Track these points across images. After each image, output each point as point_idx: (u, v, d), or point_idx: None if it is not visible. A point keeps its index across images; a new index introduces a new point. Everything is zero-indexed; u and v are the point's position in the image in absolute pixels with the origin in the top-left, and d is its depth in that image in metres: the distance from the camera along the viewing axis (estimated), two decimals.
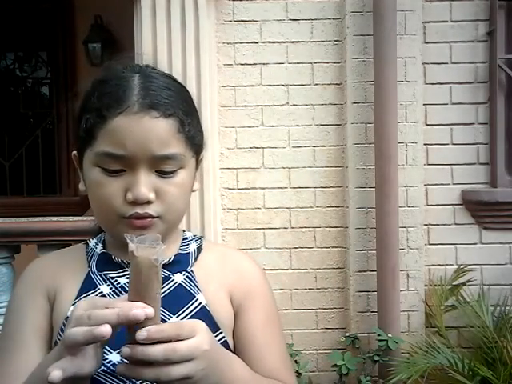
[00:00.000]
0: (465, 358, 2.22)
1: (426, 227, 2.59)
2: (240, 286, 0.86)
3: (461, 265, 2.59)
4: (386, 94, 2.43)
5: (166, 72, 0.85)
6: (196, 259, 0.87)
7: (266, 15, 2.57)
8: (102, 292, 0.82)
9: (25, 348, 0.80)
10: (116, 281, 0.83)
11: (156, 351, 0.61)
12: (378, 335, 2.38)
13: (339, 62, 2.59)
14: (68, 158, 4.33)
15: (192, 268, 0.86)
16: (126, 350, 0.62)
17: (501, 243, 2.61)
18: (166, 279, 0.83)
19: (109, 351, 0.76)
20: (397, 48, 2.45)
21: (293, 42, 2.58)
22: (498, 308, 2.48)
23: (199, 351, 0.64)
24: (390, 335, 2.37)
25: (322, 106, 2.60)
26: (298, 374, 2.36)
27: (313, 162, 2.60)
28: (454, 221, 2.61)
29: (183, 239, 0.90)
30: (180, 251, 0.88)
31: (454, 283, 2.56)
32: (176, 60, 2.39)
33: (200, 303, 0.82)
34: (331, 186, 2.61)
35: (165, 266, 0.84)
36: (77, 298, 0.82)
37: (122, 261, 0.84)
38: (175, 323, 0.64)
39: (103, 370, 0.76)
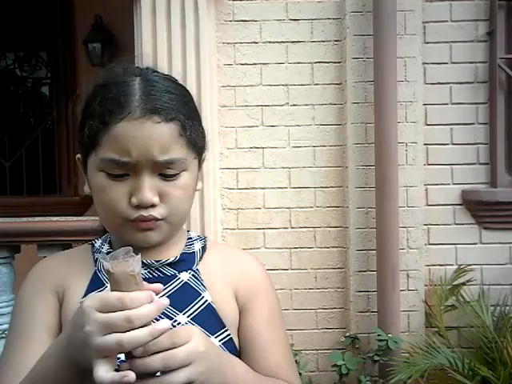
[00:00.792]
0: (465, 358, 2.22)
1: (426, 227, 2.59)
2: (244, 284, 0.88)
3: (461, 265, 2.59)
4: (386, 93, 2.43)
5: (167, 74, 0.85)
6: (201, 258, 0.89)
7: (266, 15, 2.57)
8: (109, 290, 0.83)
9: (38, 343, 0.81)
10: None
11: (154, 361, 0.62)
12: (378, 335, 2.38)
13: (339, 62, 2.59)
14: (68, 159, 4.33)
15: (197, 267, 0.87)
16: (125, 365, 0.63)
17: (501, 243, 2.61)
18: (172, 277, 0.85)
19: None
20: (397, 48, 2.45)
21: (293, 41, 2.58)
22: (498, 308, 2.48)
23: (196, 354, 0.65)
24: (390, 335, 2.37)
25: (322, 105, 2.60)
26: (298, 374, 2.36)
27: (313, 162, 2.60)
28: (454, 221, 2.61)
29: (188, 239, 0.91)
30: (185, 250, 0.89)
31: (454, 283, 2.56)
32: (176, 60, 2.39)
33: (206, 301, 0.83)
34: (331, 186, 2.61)
35: (171, 265, 0.86)
36: (85, 296, 0.82)
37: None
38: (169, 332, 0.64)
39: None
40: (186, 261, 0.87)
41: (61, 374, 0.67)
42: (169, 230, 0.82)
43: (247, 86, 2.59)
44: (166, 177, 0.79)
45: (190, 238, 0.92)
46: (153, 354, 0.62)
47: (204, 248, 0.91)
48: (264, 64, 2.58)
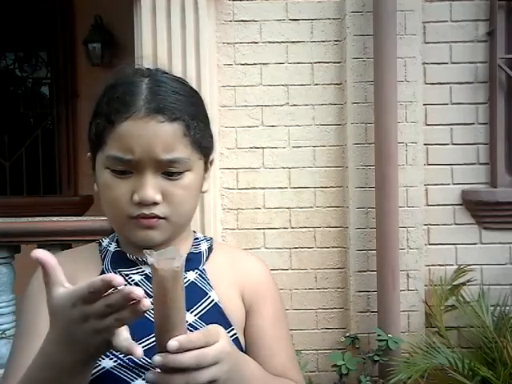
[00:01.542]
0: (465, 358, 2.22)
1: (425, 227, 2.59)
2: (250, 285, 0.89)
3: (461, 265, 2.59)
4: (386, 94, 2.43)
5: (177, 76, 0.86)
6: (207, 258, 0.90)
7: (266, 15, 2.57)
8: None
9: (28, 337, 0.81)
10: (130, 278, 0.84)
11: (188, 358, 0.63)
12: (378, 335, 2.38)
13: (339, 62, 2.59)
14: (68, 159, 4.33)
15: (204, 266, 0.88)
16: (158, 358, 0.63)
17: (501, 243, 2.61)
18: None
19: None
20: (397, 48, 2.45)
21: (293, 42, 2.58)
22: (498, 308, 2.48)
23: (224, 354, 0.66)
24: (390, 335, 2.37)
25: (322, 106, 2.60)
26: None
27: (313, 162, 2.60)
28: (454, 221, 2.61)
29: (195, 239, 0.92)
30: (192, 250, 0.89)
31: (454, 283, 2.56)
32: (176, 60, 2.40)
33: (213, 300, 0.84)
34: (331, 186, 2.61)
35: None
36: None
37: (137, 258, 0.86)
38: (201, 331, 0.66)
39: (119, 364, 0.77)
40: (193, 260, 0.88)
41: (51, 372, 0.67)
42: (171, 229, 0.83)
43: (247, 86, 2.59)
44: (169, 176, 0.80)
45: (197, 239, 0.93)
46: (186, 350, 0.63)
47: (210, 248, 0.91)
48: (264, 64, 2.58)
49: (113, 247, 0.89)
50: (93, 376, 0.76)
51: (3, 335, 2.24)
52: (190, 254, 0.88)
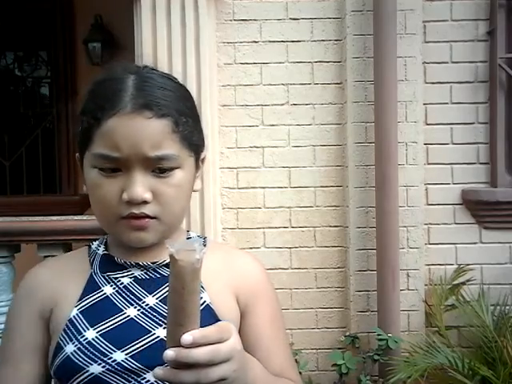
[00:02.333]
0: (465, 358, 2.22)
1: (426, 227, 2.59)
2: (245, 285, 0.87)
3: (461, 264, 2.59)
4: (386, 93, 2.43)
5: (166, 72, 0.85)
6: None
7: (266, 14, 2.57)
8: (105, 293, 0.82)
9: (30, 365, 0.82)
10: (119, 281, 0.83)
11: (202, 353, 0.61)
12: (378, 335, 2.38)
13: (339, 62, 2.59)
14: (68, 158, 4.33)
15: None
16: (170, 353, 0.61)
17: (501, 243, 2.61)
18: (169, 278, 0.83)
19: (113, 350, 0.77)
20: (397, 47, 2.45)
21: (293, 41, 2.58)
22: (498, 307, 2.47)
23: (236, 352, 0.65)
24: (389, 335, 2.37)
25: (322, 105, 2.60)
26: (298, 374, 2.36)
27: (313, 161, 2.60)
28: (454, 220, 2.61)
29: (187, 239, 0.90)
30: None
31: (454, 283, 2.56)
32: (176, 59, 2.39)
33: (204, 302, 0.82)
34: (331, 186, 2.61)
35: (168, 266, 0.84)
36: (80, 299, 0.82)
37: (125, 261, 0.84)
38: (215, 327, 0.64)
39: (108, 369, 0.76)
40: None
41: None
42: (163, 229, 0.81)
43: (247, 85, 2.59)
44: (159, 174, 0.78)
45: (189, 238, 0.91)
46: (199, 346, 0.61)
47: None
48: (264, 63, 2.58)
49: (101, 250, 0.88)
50: (81, 382, 0.76)
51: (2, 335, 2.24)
52: None
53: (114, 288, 0.83)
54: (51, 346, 0.81)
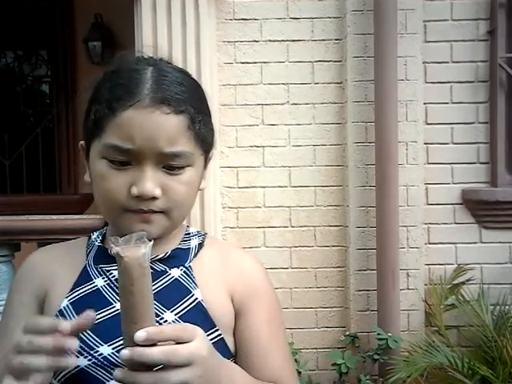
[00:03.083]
0: (464, 357, 2.22)
1: (426, 226, 2.59)
2: (242, 284, 0.85)
3: (461, 264, 2.59)
4: (386, 92, 2.43)
5: (180, 67, 0.84)
6: (196, 255, 0.86)
7: (266, 14, 2.57)
8: (96, 286, 0.82)
9: (5, 335, 0.83)
10: (111, 274, 0.83)
11: (156, 352, 0.60)
12: (378, 334, 2.38)
13: (340, 61, 2.59)
14: (68, 157, 4.33)
15: (190, 263, 0.85)
16: (125, 352, 0.61)
17: (501, 242, 2.61)
18: (162, 273, 0.83)
19: (100, 343, 0.76)
20: (397, 47, 2.45)
21: (293, 40, 2.58)
22: (498, 307, 2.48)
23: (198, 356, 0.63)
24: (389, 334, 2.37)
25: (322, 104, 2.60)
26: (298, 373, 2.36)
27: (313, 160, 2.60)
28: (454, 220, 2.61)
29: (185, 234, 0.89)
30: (180, 246, 0.87)
31: (453, 282, 2.56)
32: (176, 58, 2.39)
33: (196, 299, 0.80)
34: (331, 185, 2.61)
35: (162, 261, 0.84)
36: (71, 290, 0.82)
37: None
38: (175, 325, 0.63)
39: (94, 363, 0.75)
40: (179, 257, 0.85)
41: None
42: (168, 225, 0.80)
43: (247, 84, 2.58)
44: (170, 170, 0.77)
45: (188, 234, 0.89)
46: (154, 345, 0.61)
47: (201, 245, 0.88)
48: (264, 63, 2.58)
49: (98, 241, 0.88)
50: (67, 375, 0.76)
51: None
52: (176, 250, 0.85)
53: (105, 280, 0.82)
54: None
